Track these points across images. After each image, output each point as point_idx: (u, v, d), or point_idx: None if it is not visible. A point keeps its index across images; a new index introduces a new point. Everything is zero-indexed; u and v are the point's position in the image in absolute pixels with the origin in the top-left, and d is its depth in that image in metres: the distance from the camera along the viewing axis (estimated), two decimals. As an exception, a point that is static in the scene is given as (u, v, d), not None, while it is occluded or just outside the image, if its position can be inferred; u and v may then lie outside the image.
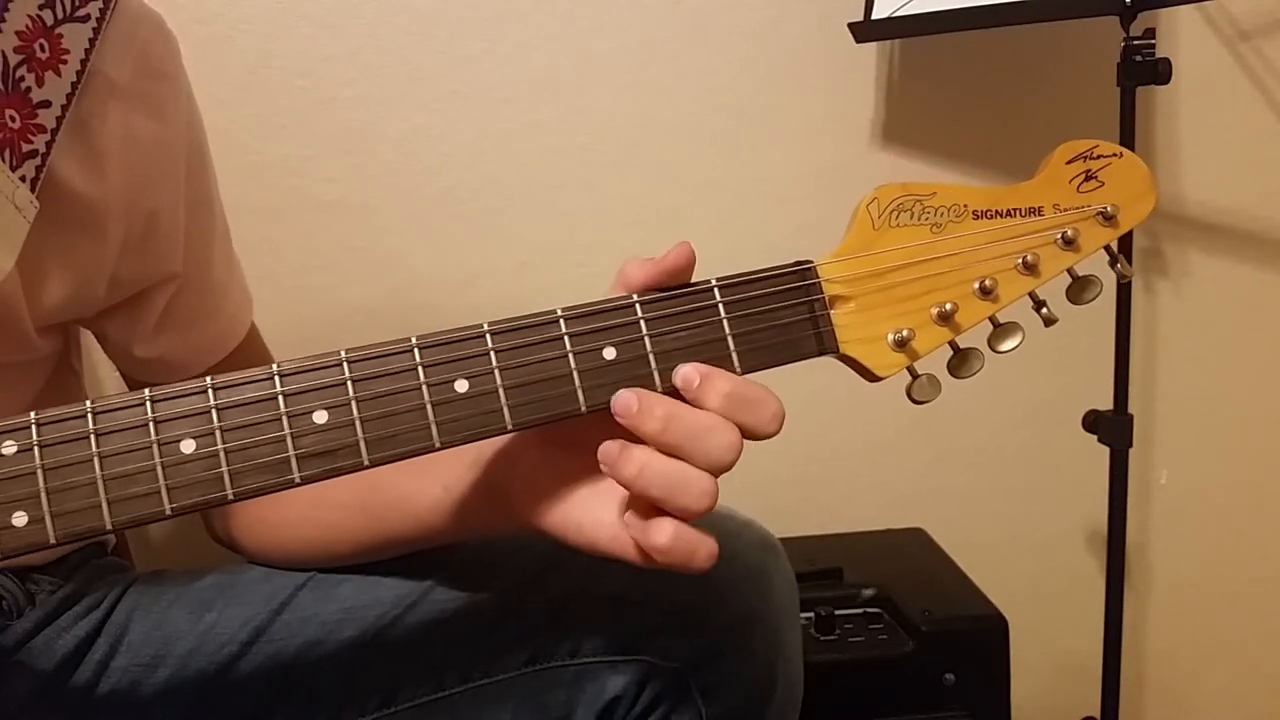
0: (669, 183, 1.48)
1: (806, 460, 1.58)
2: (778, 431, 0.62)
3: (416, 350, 0.61)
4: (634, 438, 0.61)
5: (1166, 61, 1.26)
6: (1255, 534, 1.70)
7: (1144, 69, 1.27)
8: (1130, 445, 1.37)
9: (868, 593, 1.31)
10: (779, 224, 1.49)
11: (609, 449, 0.61)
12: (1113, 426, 1.37)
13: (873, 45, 1.48)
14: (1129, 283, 1.35)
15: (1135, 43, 1.27)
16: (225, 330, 0.92)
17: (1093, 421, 1.40)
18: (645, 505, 0.62)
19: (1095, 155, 0.70)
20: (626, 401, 0.62)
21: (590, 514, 0.66)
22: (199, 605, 0.85)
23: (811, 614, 1.27)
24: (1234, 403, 1.65)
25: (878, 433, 1.58)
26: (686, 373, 0.63)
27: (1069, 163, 0.70)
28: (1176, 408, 1.63)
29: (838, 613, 1.28)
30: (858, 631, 1.27)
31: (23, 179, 0.72)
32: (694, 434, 0.60)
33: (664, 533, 0.60)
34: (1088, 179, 0.70)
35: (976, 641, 1.26)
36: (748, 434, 0.62)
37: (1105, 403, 1.38)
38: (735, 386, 0.62)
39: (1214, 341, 1.62)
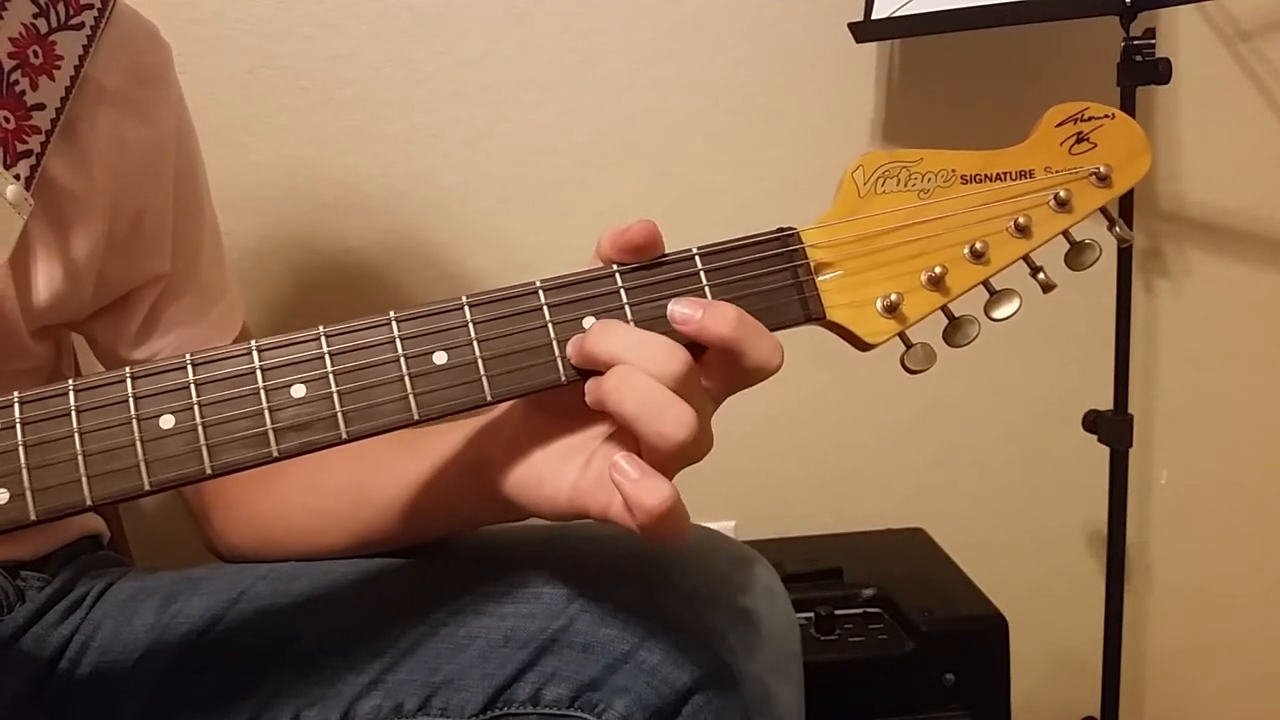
0: (669, 183, 1.48)
1: (807, 460, 1.58)
2: (780, 365, 0.61)
3: (394, 323, 0.60)
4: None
5: (1166, 61, 1.26)
6: (1255, 534, 1.70)
7: (1144, 69, 1.27)
8: (1130, 445, 1.37)
9: (868, 593, 1.31)
10: (778, 223, 1.48)
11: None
12: (1113, 426, 1.37)
13: (873, 45, 1.48)
14: (1129, 283, 1.34)
15: (1135, 43, 1.27)
16: (212, 334, 0.92)
17: (1093, 421, 1.39)
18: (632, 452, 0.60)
19: (1086, 117, 0.68)
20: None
21: (554, 469, 0.65)
22: (168, 598, 0.84)
23: (811, 614, 1.27)
24: (1234, 403, 1.65)
25: (878, 432, 1.58)
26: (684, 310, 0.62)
27: (1059, 125, 0.68)
28: (1176, 408, 1.63)
29: (838, 613, 1.28)
30: (858, 631, 1.27)
31: (16, 177, 0.73)
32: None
33: (659, 493, 0.58)
34: (1079, 141, 0.68)
35: (976, 641, 1.26)
36: (752, 363, 0.61)
37: (1105, 403, 1.38)
38: (741, 312, 0.62)
39: (1214, 341, 1.62)
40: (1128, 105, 1.30)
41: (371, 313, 0.61)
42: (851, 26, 1.34)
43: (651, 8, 1.43)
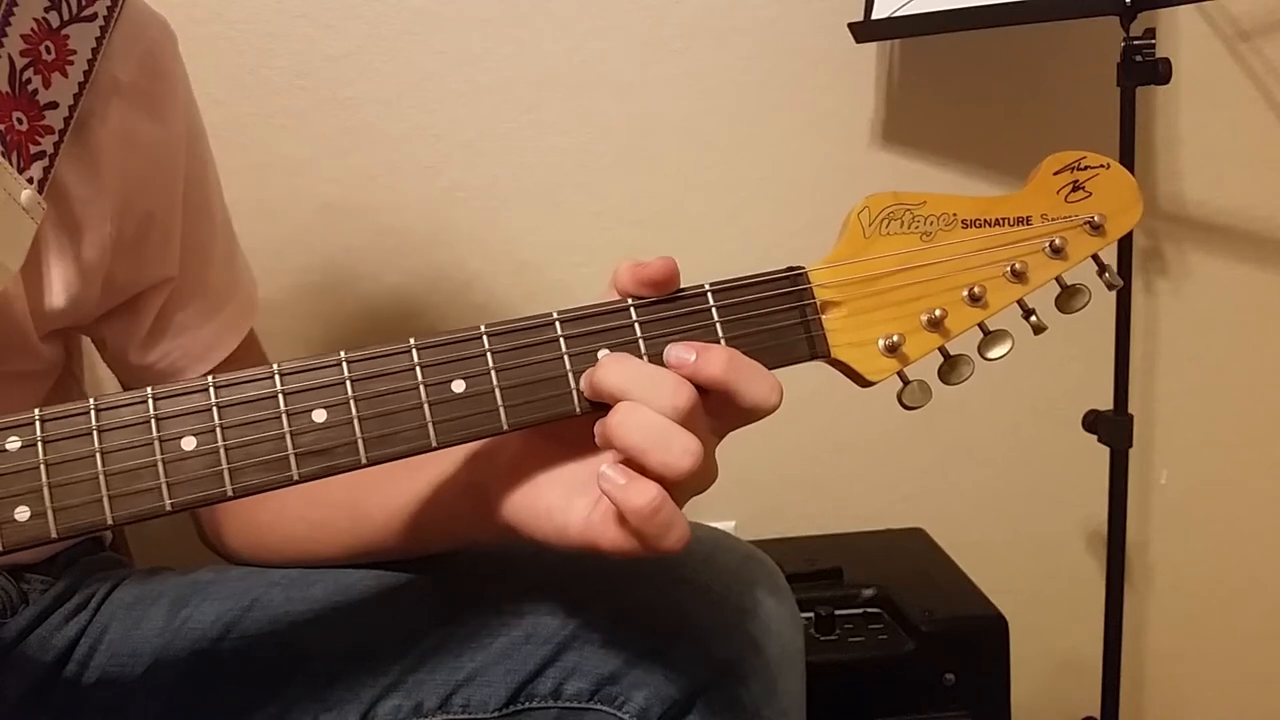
0: (669, 183, 1.48)
1: (807, 460, 1.59)
2: (779, 403, 0.63)
3: (415, 351, 0.61)
4: None
5: (1166, 61, 1.26)
6: (1255, 534, 1.70)
7: (1144, 69, 1.27)
8: (1130, 445, 1.37)
9: (868, 593, 1.32)
10: (779, 223, 1.49)
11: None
12: (1113, 426, 1.37)
13: (873, 45, 1.48)
14: (1129, 283, 1.35)
15: (1135, 43, 1.27)
16: (221, 335, 0.91)
17: (1093, 421, 1.39)
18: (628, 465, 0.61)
19: (1082, 166, 0.71)
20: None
21: (562, 498, 0.66)
22: (177, 602, 0.85)
23: (811, 614, 1.27)
24: (1234, 403, 1.65)
25: (878, 432, 1.58)
26: (679, 353, 0.63)
27: (1056, 173, 0.71)
28: (1176, 408, 1.63)
29: (838, 613, 1.28)
30: (858, 631, 1.27)
31: (30, 181, 0.72)
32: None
33: (646, 493, 0.58)
34: (1075, 189, 0.70)
35: (976, 641, 1.26)
36: (748, 403, 0.62)
37: (1105, 403, 1.38)
38: (733, 354, 0.63)
39: (1214, 341, 1.62)
40: (1128, 105, 1.30)
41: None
42: (851, 26, 1.34)
43: (652, 8, 1.43)
